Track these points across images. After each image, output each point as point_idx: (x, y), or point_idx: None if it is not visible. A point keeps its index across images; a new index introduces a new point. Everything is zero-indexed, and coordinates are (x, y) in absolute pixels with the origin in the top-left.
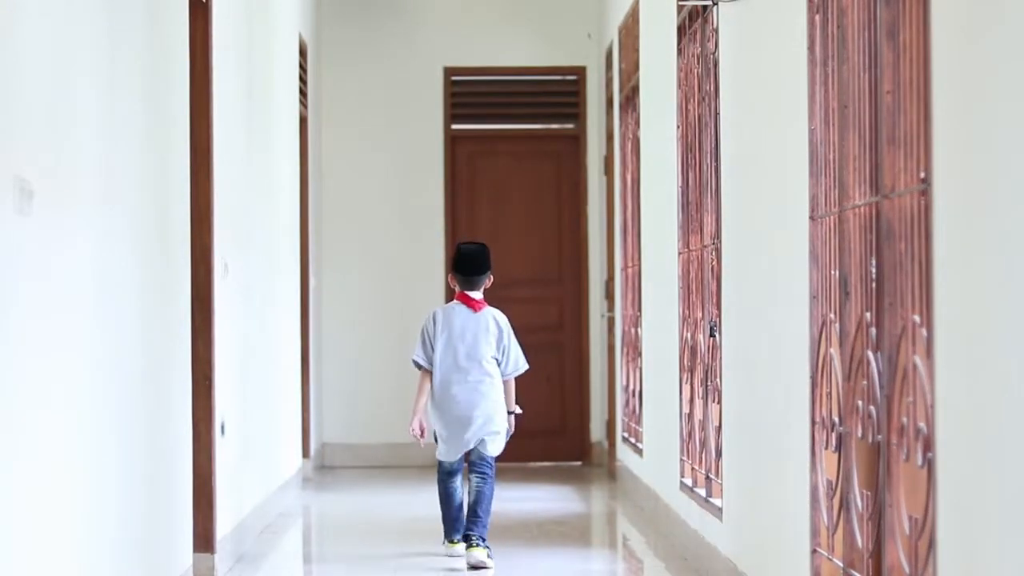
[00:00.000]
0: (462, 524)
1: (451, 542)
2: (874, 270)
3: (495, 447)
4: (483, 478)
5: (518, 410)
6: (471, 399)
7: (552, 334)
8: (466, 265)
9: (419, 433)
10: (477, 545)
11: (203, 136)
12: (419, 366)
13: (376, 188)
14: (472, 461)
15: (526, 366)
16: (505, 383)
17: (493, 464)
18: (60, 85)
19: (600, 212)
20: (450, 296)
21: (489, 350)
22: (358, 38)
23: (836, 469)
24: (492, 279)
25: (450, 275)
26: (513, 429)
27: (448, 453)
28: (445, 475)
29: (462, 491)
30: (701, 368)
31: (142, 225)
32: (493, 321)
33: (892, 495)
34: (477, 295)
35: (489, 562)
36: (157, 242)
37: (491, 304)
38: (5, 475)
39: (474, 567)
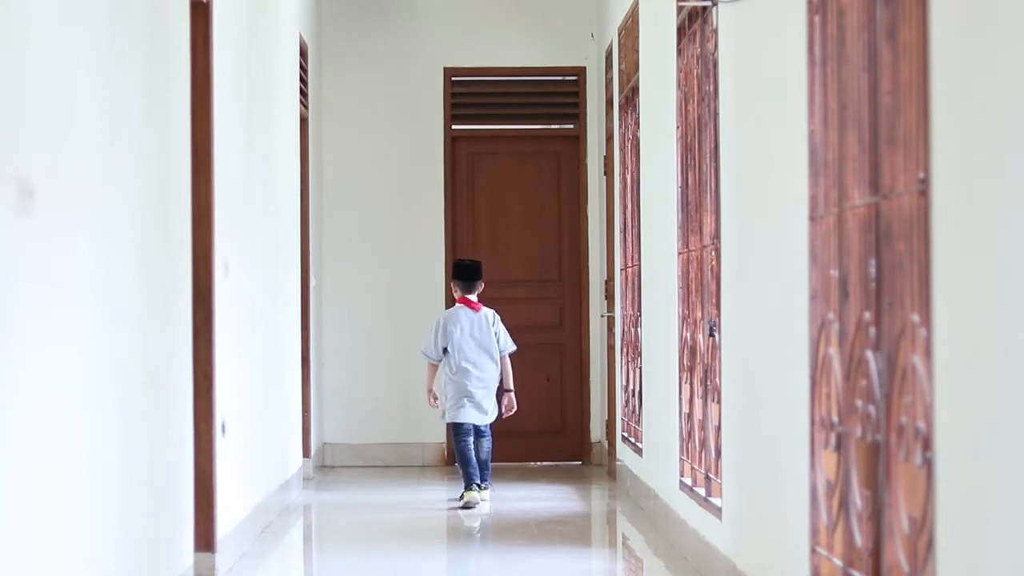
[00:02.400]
0: (478, 474)
1: (469, 490)
2: (873, 270)
3: (495, 419)
4: (488, 438)
5: (512, 388)
6: (483, 379)
7: (552, 334)
8: (466, 273)
9: (436, 403)
10: (484, 488)
11: (203, 136)
12: (428, 357)
13: (376, 188)
14: (479, 428)
15: (515, 346)
16: (502, 363)
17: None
18: (61, 85)
19: (600, 212)
20: (450, 294)
21: (492, 339)
22: (358, 38)
23: (835, 468)
24: (483, 286)
25: (452, 282)
26: (515, 406)
27: (462, 417)
28: (464, 435)
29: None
30: (701, 368)
31: (143, 225)
32: (490, 316)
33: (891, 494)
34: (474, 298)
35: (488, 495)
36: (158, 242)
37: (491, 303)
38: (7, 474)
39: (480, 500)
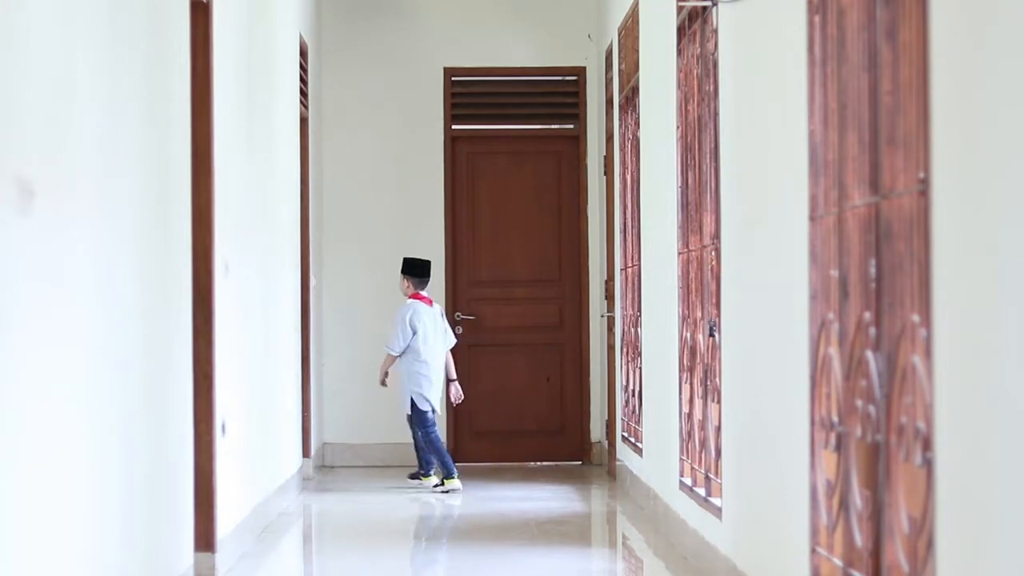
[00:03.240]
0: (454, 465)
1: (450, 478)
2: (873, 270)
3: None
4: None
5: (455, 377)
6: (441, 369)
7: (552, 334)
8: (420, 270)
9: (385, 381)
10: (431, 475)
11: (203, 136)
12: (394, 351)
13: (376, 188)
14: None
15: (455, 339)
16: (449, 355)
17: None
18: (61, 86)
19: (600, 212)
20: (450, 293)
21: (444, 333)
22: (358, 38)
23: (835, 468)
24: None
25: (405, 279)
26: (463, 395)
27: (436, 401)
28: (433, 425)
29: None
30: (701, 368)
31: (143, 225)
32: (439, 311)
33: (891, 494)
34: (426, 294)
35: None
36: (158, 242)
37: (492, 303)
38: (7, 474)
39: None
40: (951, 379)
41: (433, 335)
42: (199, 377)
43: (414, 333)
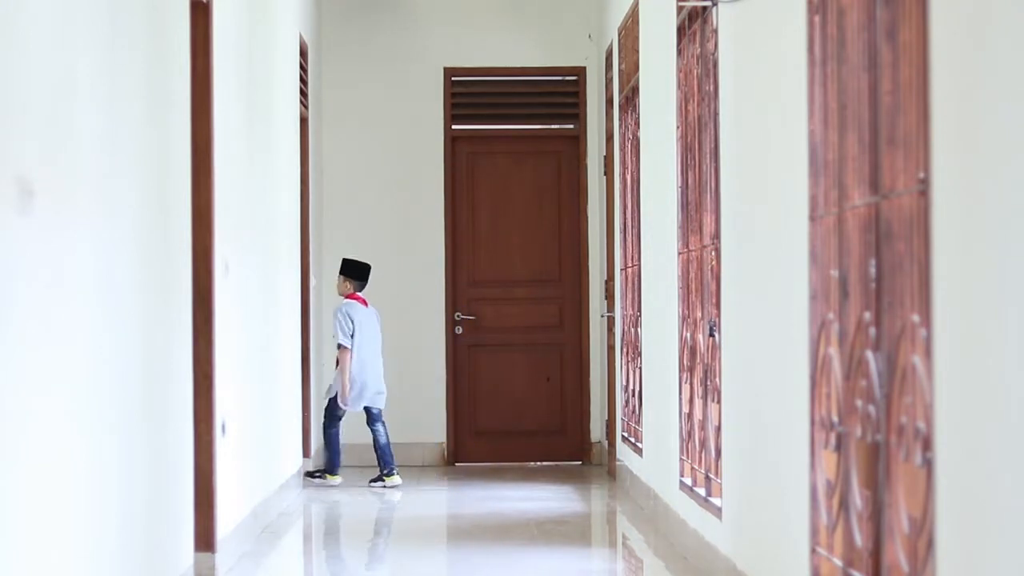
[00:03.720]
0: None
1: (391, 475)
2: (873, 270)
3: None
4: (384, 424)
5: None
6: (377, 368)
7: (552, 334)
8: (361, 273)
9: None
10: (396, 473)
11: (203, 136)
12: (347, 345)
13: (376, 188)
14: (376, 414)
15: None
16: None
17: None
18: (61, 86)
19: (600, 212)
20: (450, 293)
21: (379, 333)
22: (358, 38)
23: (835, 468)
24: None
25: (346, 280)
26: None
27: (359, 405)
28: (338, 421)
29: None
30: (701, 368)
31: (143, 225)
32: (375, 313)
33: (891, 494)
34: (363, 295)
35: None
36: (158, 242)
37: (493, 303)
38: (7, 474)
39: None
40: (951, 379)
41: (369, 336)
42: (199, 377)
43: (353, 324)
